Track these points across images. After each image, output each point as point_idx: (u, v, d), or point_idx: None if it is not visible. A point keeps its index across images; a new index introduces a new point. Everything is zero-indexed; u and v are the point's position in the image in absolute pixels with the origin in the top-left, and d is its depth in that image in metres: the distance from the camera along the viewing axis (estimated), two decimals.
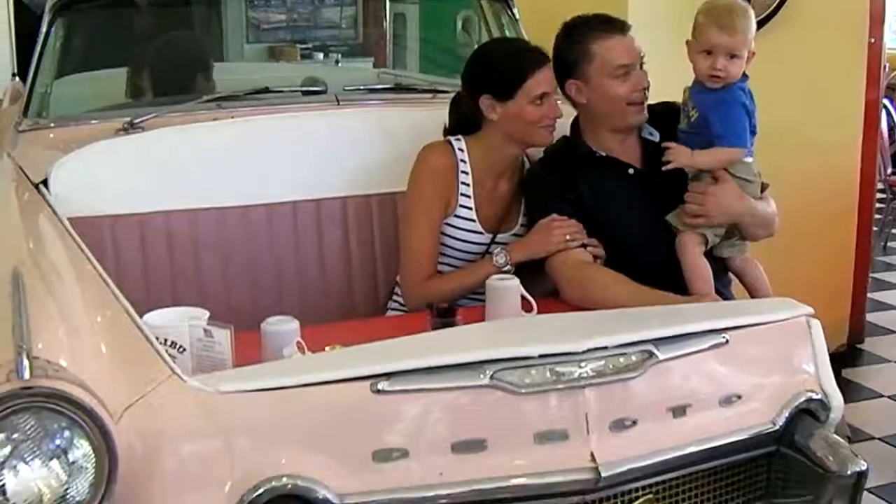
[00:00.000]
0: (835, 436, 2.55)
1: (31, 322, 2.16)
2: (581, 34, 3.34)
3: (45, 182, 3.27)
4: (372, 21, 9.48)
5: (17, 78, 6.58)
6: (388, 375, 2.19)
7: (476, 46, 5.45)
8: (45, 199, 3.17)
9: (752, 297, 3.34)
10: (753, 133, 3.23)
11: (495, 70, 3.35)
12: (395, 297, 3.52)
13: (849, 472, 2.47)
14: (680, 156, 3.20)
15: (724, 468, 2.49)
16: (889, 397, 5.03)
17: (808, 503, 2.51)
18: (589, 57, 3.29)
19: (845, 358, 5.44)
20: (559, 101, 3.37)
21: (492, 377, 2.21)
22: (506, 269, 3.21)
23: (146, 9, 4.69)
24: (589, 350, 2.28)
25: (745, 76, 3.21)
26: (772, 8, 4.81)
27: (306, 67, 8.61)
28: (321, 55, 9.96)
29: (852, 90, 5.31)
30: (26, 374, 1.98)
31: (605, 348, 2.30)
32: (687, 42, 3.23)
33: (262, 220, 3.50)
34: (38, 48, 4.04)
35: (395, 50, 6.77)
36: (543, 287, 3.21)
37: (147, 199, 3.40)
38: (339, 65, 7.56)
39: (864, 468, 2.48)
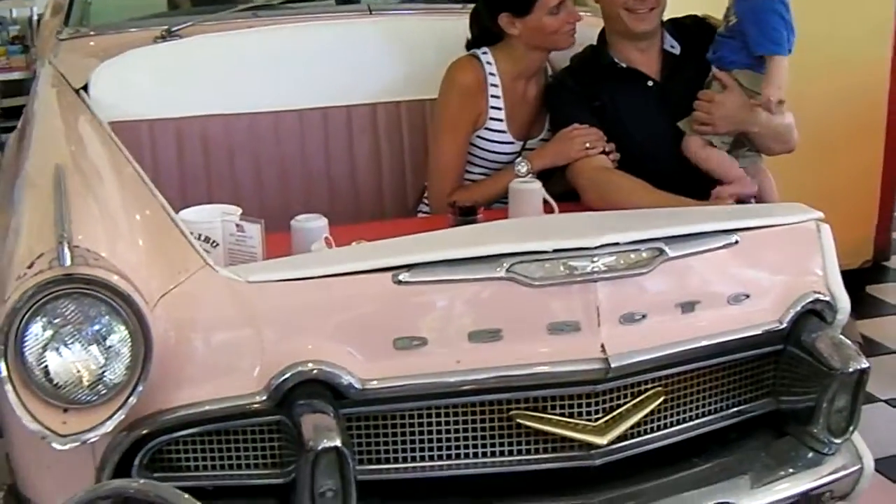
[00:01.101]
0: (839, 336, 2.63)
1: (72, 215, 2.28)
2: None
3: (85, 87, 3.37)
4: None
5: None
6: (408, 267, 2.30)
7: None
8: (85, 103, 3.27)
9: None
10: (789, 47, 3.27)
11: None
12: (424, 201, 3.61)
13: (851, 370, 2.55)
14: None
15: (731, 364, 2.60)
16: None
17: (812, 400, 2.61)
18: None
19: (870, 274, 5.44)
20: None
21: (508, 270, 2.32)
22: (528, 177, 3.28)
23: None
24: (601, 246, 2.37)
25: None
26: None
27: None
28: None
29: (883, 5, 5.30)
30: (67, 262, 2.08)
31: (616, 244, 2.38)
32: None
33: (294, 126, 3.60)
34: None
35: None
36: (564, 188, 3.29)
37: (183, 105, 3.51)
38: None
39: (865, 366, 2.56)
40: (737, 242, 2.56)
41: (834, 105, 4.82)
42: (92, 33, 3.94)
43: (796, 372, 2.63)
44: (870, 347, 4.44)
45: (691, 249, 2.49)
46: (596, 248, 2.36)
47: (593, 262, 2.35)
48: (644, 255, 2.41)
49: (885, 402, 4.43)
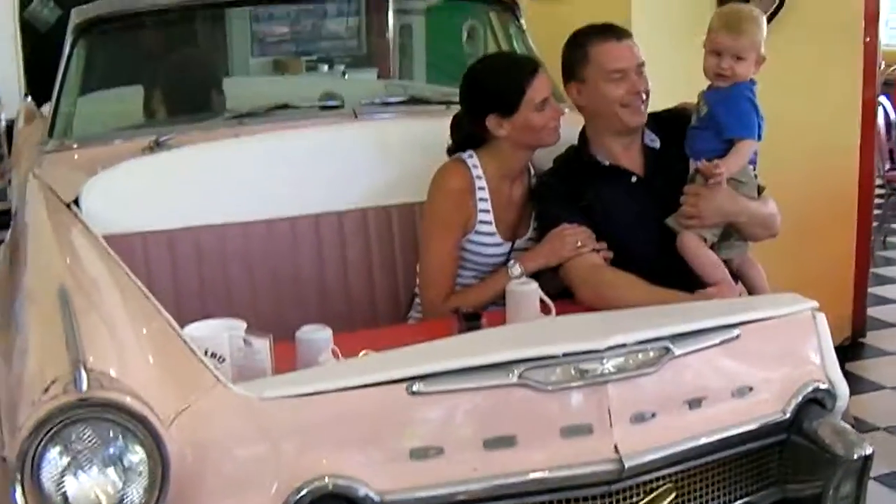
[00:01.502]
0: (841, 422, 2.68)
1: (82, 337, 2.29)
2: (582, 40, 3.50)
3: (75, 201, 3.40)
4: (375, 32, 9.61)
5: (30, 98, 6.70)
6: (422, 378, 2.32)
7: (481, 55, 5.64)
8: (78, 217, 3.30)
9: (752, 294, 3.47)
10: (760, 134, 3.37)
11: (494, 89, 3.45)
12: (415, 308, 3.63)
13: (855, 457, 2.58)
14: (719, 168, 3.28)
15: (737, 457, 2.62)
16: (892, 388, 5.15)
17: (818, 488, 2.63)
18: (586, 60, 3.44)
19: (848, 352, 5.53)
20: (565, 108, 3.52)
21: (520, 376, 2.35)
22: (522, 278, 3.30)
23: (160, 27, 4.84)
24: (610, 347, 2.41)
25: (753, 81, 3.36)
26: (770, 10, 4.94)
27: (314, 80, 8.75)
28: (326, 67, 10.10)
29: (850, 90, 5.42)
30: (84, 387, 2.10)
31: (624, 345, 2.43)
32: (703, 44, 3.39)
33: (286, 233, 3.62)
34: (60, 70, 4.16)
35: (401, 60, 6.88)
36: (557, 286, 3.32)
37: (175, 216, 3.53)
38: (346, 76, 7.68)
39: (869, 452, 2.60)
40: (738, 336, 2.61)
41: (806, 188, 4.91)
42: (76, 146, 3.98)
43: (801, 460, 2.66)
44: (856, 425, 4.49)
45: (695, 346, 2.53)
46: (605, 349, 2.40)
47: (603, 363, 2.39)
48: (651, 354, 2.46)
49: (874, 479, 4.46)
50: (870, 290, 6.13)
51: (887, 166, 7.46)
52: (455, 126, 3.59)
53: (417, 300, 3.59)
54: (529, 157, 3.56)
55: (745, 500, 2.67)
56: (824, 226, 5.20)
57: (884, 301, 6.62)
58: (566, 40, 3.55)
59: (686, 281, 3.27)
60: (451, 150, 3.57)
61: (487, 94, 3.47)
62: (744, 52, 3.31)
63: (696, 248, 3.31)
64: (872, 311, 6.16)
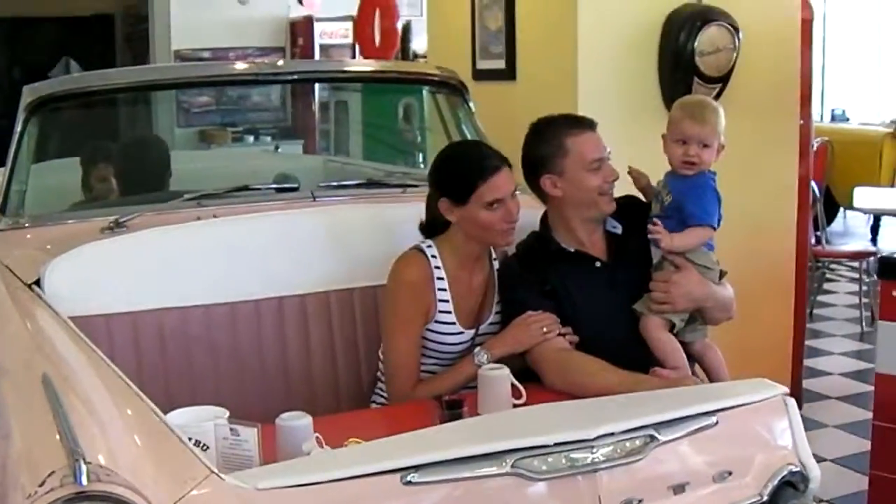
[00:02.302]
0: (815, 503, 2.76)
1: (74, 427, 2.28)
2: (553, 132, 3.53)
3: (36, 282, 3.37)
4: (301, 105, 9.68)
5: None
6: (416, 468, 2.34)
7: (416, 133, 5.72)
8: (41, 299, 3.27)
9: (712, 379, 3.54)
10: (719, 222, 3.46)
11: (450, 175, 3.49)
12: (377, 391, 3.63)
13: None
14: (664, 239, 3.41)
15: None
16: (832, 461, 5.25)
17: None
18: (563, 152, 3.47)
19: None
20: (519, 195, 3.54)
21: (512, 465, 2.39)
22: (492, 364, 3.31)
23: (108, 105, 4.86)
24: (599, 437, 2.47)
25: (713, 172, 3.46)
26: (712, 96, 5.07)
27: (246, 152, 8.80)
28: (252, 138, 10.15)
29: (787, 169, 5.57)
30: (84, 480, 2.09)
31: (612, 434, 2.49)
32: (663, 136, 3.49)
33: (249, 316, 3.62)
34: (12, 147, 4.13)
35: (336, 135, 6.93)
36: (520, 366, 3.34)
37: (138, 298, 3.51)
38: (279, 150, 7.72)
39: None
40: (716, 423, 2.68)
41: (748, 269, 4.99)
42: (28, 225, 3.95)
43: None
44: None
45: (678, 434, 2.61)
46: (594, 438, 2.46)
47: (593, 452, 2.45)
48: (638, 442, 2.53)
49: None
50: None
51: (812, 240, 7.64)
52: (427, 203, 3.60)
53: (381, 384, 3.60)
54: (485, 249, 3.57)
55: None
56: (763, 302, 5.31)
57: (816, 373, 6.77)
58: (532, 132, 3.60)
59: (648, 363, 3.35)
60: (422, 228, 3.59)
61: (444, 175, 3.51)
62: (708, 140, 3.41)
63: (659, 333, 3.40)
64: (806, 384, 6.28)
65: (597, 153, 3.47)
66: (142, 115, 6.28)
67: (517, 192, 3.48)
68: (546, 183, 3.50)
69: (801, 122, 5.63)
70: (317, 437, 2.67)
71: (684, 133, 3.42)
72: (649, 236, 3.44)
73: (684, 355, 3.40)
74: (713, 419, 2.67)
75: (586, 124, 3.53)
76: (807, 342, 6.72)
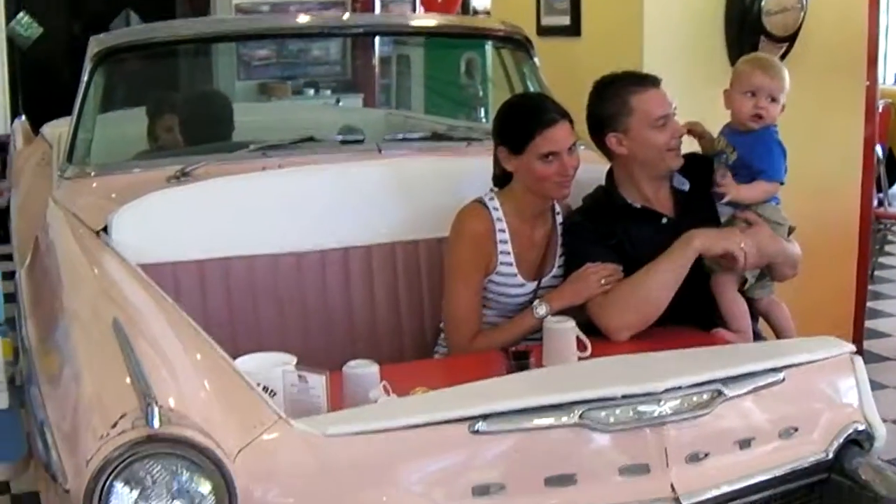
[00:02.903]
0: (881, 462, 2.77)
1: (146, 372, 2.31)
2: (617, 90, 3.53)
3: (104, 229, 3.42)
4: (361, 59, 9.68)
5: (24, 117, 6.72)
6: (484, 417, 2.36)
7: (479, 88, 5.71)
8: (109, 246, 3.31)
9: (778, 335, 3.57)
10: (784, 174, 3.45)
11: (509, 123, 3.51)
12: (440, 342, 3.66)
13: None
14: (730, 187, 3.41)
15: (783, 495, 2.69)
16: (893, 421, 5.21)
17: None
18: (628, 110, 3.47)
19: None
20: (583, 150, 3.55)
21: (580, 416, 2.40)
22: (547, 318, 3.31)
23: (173, 56, 4.90)
24: (667, 390, 2.48)
25: (774, 125, 3.45)
26: (777, 57, 5.02)
27: (307, 105, 8.81)
28: (311, 91, 10.16)
29: (853, 131, 5.51)
30: (157, 423, 2.12)
31: (680, 388, 2.50)
32: (725, 91, 3.48)
33: (315, 266, 3.65)
34: (79, 97, 4.17)
35: (398, 90, 6.93)
36: (582, 320, 3.33)
37: (205, 246, 3.54)
38: (340, 104, 7.73)
39: None
40: (783, 379, 2.68)
41: (812, 229, 4.95)
42: (94, 173, 3.98)
43: (842, 499, 2.73)
44: None
45: (745, 389, 2.61)
46: (662, 392, 2.46)
47: (660, 405, 2.46)
48: (705, 396, 2.53)
49: None
50: None
51: (875, 202, 7.56)
52: (494, 157, 3.60)
53: (443, 335, 3.62)
54: (545, 202, 3.57)
55: None
56: (825, 262, 5.25)
57: (877, 335, 6.71)
58: (595, 90, 3.60)
59: (710, 321, 3.39)
60: (494, 179, 3.60)
61: (504, 125, 3.52)
62: (777, 94, 3.42)
63: (731, 292, 3.41)
64: (866, 345, 6.22)
65: (662, 110, 3.46)
66: (203, 68, 6.31)
67: (579, 147, 3.47)
68: (612, 141, 3.50)
69: (868, 83, 5.56)
70: (384, 385, 2.69)
71: (754, 85, 3.42)
72: (715, 189, 3.44)
73: (749, 320, 3.40)
74: (780, 375, 2.68)
75: (650, 81, 3.52)
76: (868, 304, 6.67)
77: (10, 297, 3.66)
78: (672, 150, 3.48)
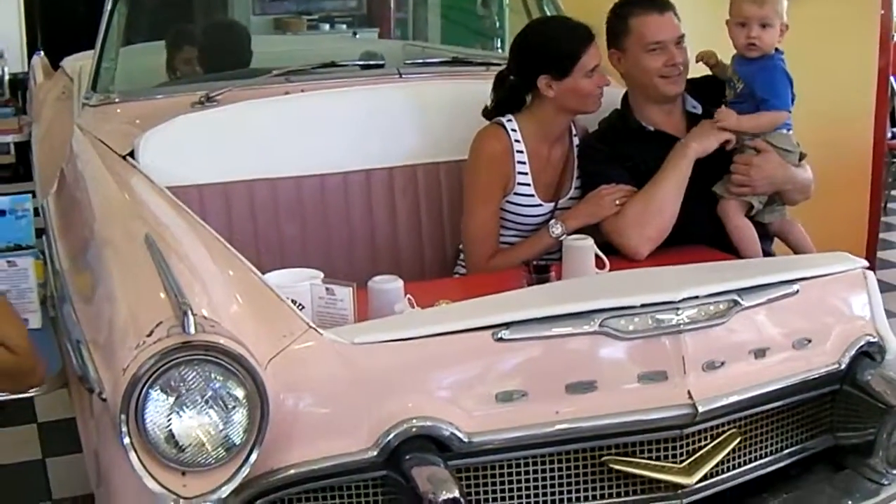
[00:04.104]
0: (892, 373, 2.83)
1: (179, 283, 2.38)
2: (624, 10, 3.60)
3: (130, 154, 3.48)
4: None
5: (43, 52, 6.76)
6: (507, 325, 2.43)
7: (495, 17, 5.72)
8: (137, 169, 3.38)
9: (797, 253, 3.61)
10: (792, 102, 3.48)
11: (552, 51, 3.53)
12: (460, 262, 3.73)
13: None
14: (729, 118, 3.45)
15: (796, 405, 2.78)
16: None
17: (870, 436, 2.79)
18: (626, 30, 3.55)
19: None
20: None
21: (600, 325, 2.47)
22: (563, 238, 3.38)
23: None
24: (684, 299, 2.54)
25: (780, 51, 3.47)
26: None
27: (325, 37, 8.78)
28: (327, 26, 10.12)
29: (865, 60, 5.52)
30: (192, 329, 2.18)
31: (697, 297, 2.56)
32: (727, 22, 3.50)
33: (338, 188, 3.72)
34: (102, 26, 4.21)
35: (414, 21, 6.93)
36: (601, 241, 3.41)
37: (230, 170, 3.62)
38: (357, 36, 7.72)
39: None
40: (797, 292, 2.75)
41: (824, 157, 4.97)
42: (118, 100, 4.04)
43: (854, 409, 2.81)
44: None
45: (761, 299, 2.68)
46: (679, 301, 2.53)
47: (678, 314, 2.52)
48: (722, 306, 2.60)
49: None
50: None
51: (889, 135, 7.57)
52: (498, 83, 3.67)
53: (462, 256, 3.69)
54: (569, 122, 3.66)
55: (801, 445, 2.83)
56: (838, 192, 5.27)
57: (890, 265, 6.77)
58: (611, 9, 3.65)
59: (721, 244, 3.46)
60: (489, 111, 3.66)
61: (543, 55, 3.54)
62: (769, 20, 3.41)
63: (737, 219, 3.47)
64: (879, 275, 6.26)
65: (658, 36, 3.51)
66: (219, 2, 6.33)
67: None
68: (613, 59, 3.61)
69: (882, 12, 5.57)
70: (408, 298, 2.76)
71: (743, 14, 3.43)
72: (716, 122, 3.47)
73: (759, 245, 3.46)
74: (794, 287, 2.74)
75: (657, 6, 3.56)
76: (881, 235, 6.71)
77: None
78: (665, 79, 3.53)
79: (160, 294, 2.37)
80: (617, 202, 3.45)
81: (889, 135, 7.40)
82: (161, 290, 2.38)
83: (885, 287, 6.15)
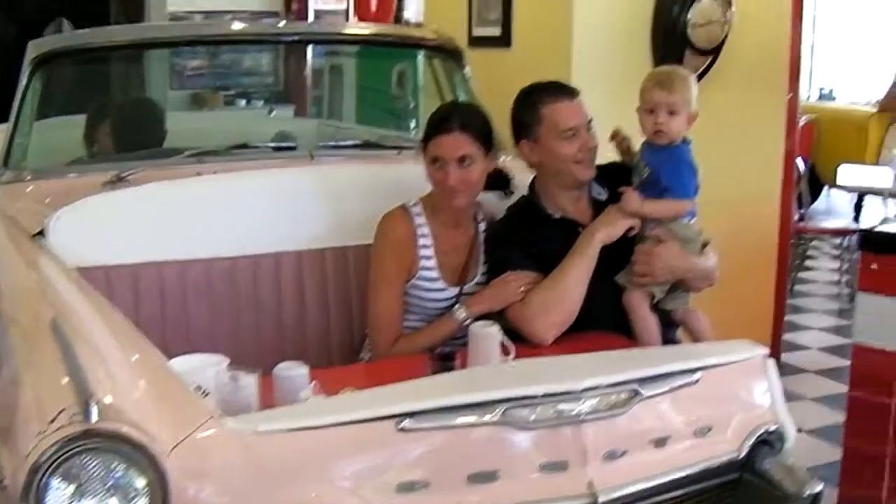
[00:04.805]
0: (791, 462, 2.88)
1: (84, 368, 2.37)
2: (532, 99, 3.65)
3: (40, 233, 3.47)
4: (294, 70, 9.68)
5: None
6: (410, 415, 2.44)
7: (410, 98, 5.79)
8: (46, 249, 3.36)
9: (697, 342, 3.67)
10: (695, 193, 3.55)
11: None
12: (366, 348, 3.74)
13: (805, 494, 2.80)
14: (631, 201, 3.50)
15: (697, 493, 2.79)
16: (807, 432, 5.36)
17: None
18: (538, 119, 3.60)
19: None
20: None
21: (503, 414, 2.49)
22: (467, 322, 3.43)
23: (112, 62, 4.94)
24: (586, 389, 2.57)
25: (687, 141, 3.55)
26: (701, 69, 5.17)
27: (240, 115, 8.82)
28: (244, 102, 10.16)
29: (773, 144, 5.67)
30: (94, 417, 2.17)
31: (598, 387, 2.59)
32: (637, 109, 3.56)
33: (247, 271, 3.72)
34: (16, 101, 4.20)
35: (330, 100, 6.97)
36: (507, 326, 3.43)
37: (139, 251, 3.60)
38: (272, 114, 7.76)
39: (819, 489, 2.82)
40: (698, 381, 2.79)
41: (732, 239, 5.09)
42: (30, 178, 4.03)
43: (755, 498, 2.84)
44: None
45: (661, 389, 2.71)
46: (581, 391, 2.55)
47: (579, 404, 2.54)
48: (623, 395, 2.62)
49: None
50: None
51: (796, 217, 7.73)
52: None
53: (368, 340, 3.71)
54: (461, 210, 3.65)
55: None
56: (744, 275, 5.39)
57: (795, 348, 6.88)
58: (516, 98, 3.70)
59: (626, 331, 3.51)
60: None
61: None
62: (676, 107, 3.48)
63: (641, 309, 3.51)
64: (784, 357, 6.39)
65: (571, 122, 3.56)
66: (137, 77, 6.34)
67: (507, 157, 3.58)
68: (524, 149, 3.64)
69: (790, 95, 5.72)
70: (314, 385, 2.77)
71: (652, 101, 3.50)
72: (621, 204, 3.52)
73: (659, 339, 3.50)
74: (695, 377, 2.78)
75: (564, 92, 3.63)
76: (787, 317, 6.81)
77: None
78: (580, 164, 3.58)
79: (64, 380, 2.35)
80: (522, 289, 3.49)
81: (796, 217, 7.56)
82: (65, 375, 2.37)
83: (791, 370, 6.30)
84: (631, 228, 3.50)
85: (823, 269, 9.31)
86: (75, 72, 4.54)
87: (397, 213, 3.62)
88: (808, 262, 9.20)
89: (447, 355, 2.97)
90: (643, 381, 2.67)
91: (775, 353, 5.84)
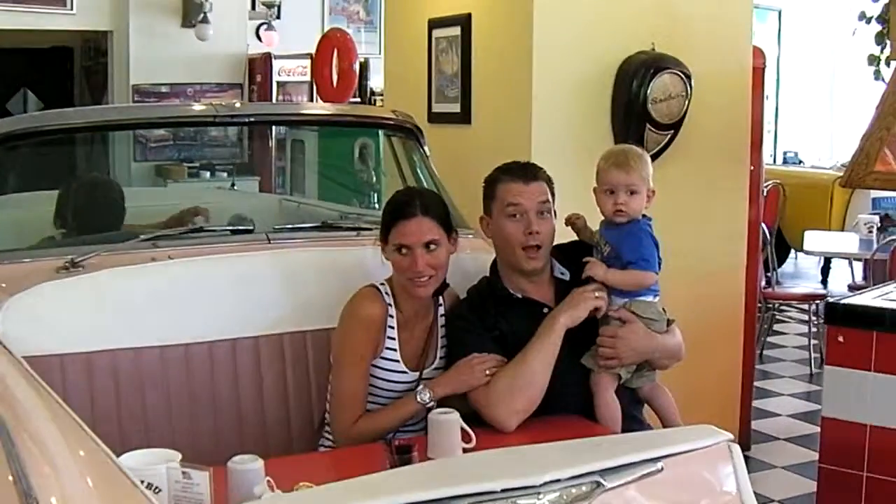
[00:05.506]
0: None
1: (27, 471, 2.30)
2: (494, 175, 3.66)
3: None
4: (258, 143, 9.74)
5: None
6: None
7: (371, 174, 5.79)
8: None
9: (662, 421, 3.65)
10: (659, 266, 3.52)
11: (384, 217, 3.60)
12: (325, 434, 3.66)
13: None
14: (596, 269, 3.48)
15: None
16: (779, 501, 5.32)
17: None
18: (493, 195, 3.60)
19: None
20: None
21: None
22: (430, 405, 3.40)
23: (69, 143, 4.91)
24: (545, 483, 2.50)
25: (648, 217, 3.52)
26: (662, 144, 5.17)
27: (202, 189, 8.82)
28: (208, 174, 10.19)
29: (737, 214, 5.67)
30: None
31: (558, 480, 2.52)
32: (594, 189, 3.54)
33: (203, 357, 3.65)
34: None
35: (292, 175, 6.98)
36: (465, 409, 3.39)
37: (92, 338, 3.52)
38: (235, 187, 7.76)
39: None
40: (661, 469, 2.72)
41: (697, 312, 5.09)
42: None
43: None
44: None
45: (623, 480, 2.64)
46: (540, 485, 2.49)
47: (539, 499, 2.48)
48: (584, 488, 2.56)
49: None
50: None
51: (763, 283, 7.74)
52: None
53: (328, 427, 3.64)
54: (421, 300, 3.59)
55: None
56: (712, 344, 5.39)
57: (764, 414, 6.84)
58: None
59: (590, 412, 3.49)
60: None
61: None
62: (636, 187, 3.48)
63: (606, 394, 3.49)
64: (755, 425, 6.35)
65: (517, 199, 3.53)
66: (99, 150, 6.32)
67: (467, 235, 3.54)
68: (483, 223, 3.66)
69: (752, 168, 5.73)
70: (268, 481, 2.70)
71: (611, 182, 3.49)
72: (585, 272, 3.51)
73: (619, 423, 3.47)
74: (659, 465, 2.71)
75: (521, 174, 3.60)
76: (756, 383, 6.81)
77: None
78: (527, 250, 3.53)
79: (8, 479, 2.28)
80: (487, 372, 3.44)
81: (763, 282, 7.57)
82: (9, 475, 2.30)
83: (762, 437, 6.27)
84: (597, 310, 3.46)
85: (792, 333, 9.31)
86: (30, 153, 4.49)
87: (369, 291, 3.57)
88: (776, 327, 9.21)
89: (404, 447, 2.91)
90: (605, 471, 2.60)
91: (744, 421, 5.85)
